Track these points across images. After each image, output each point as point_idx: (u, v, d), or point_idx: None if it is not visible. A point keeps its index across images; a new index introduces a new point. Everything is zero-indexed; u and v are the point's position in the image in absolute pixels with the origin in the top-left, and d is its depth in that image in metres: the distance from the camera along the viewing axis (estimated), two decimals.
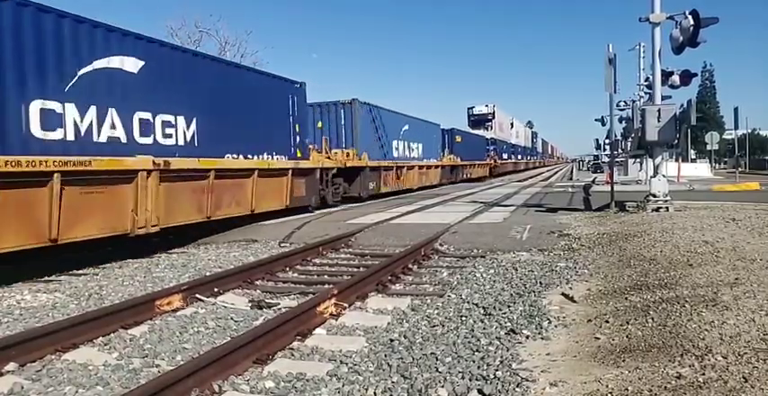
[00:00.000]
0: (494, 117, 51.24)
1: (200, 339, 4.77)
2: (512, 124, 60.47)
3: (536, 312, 5.11)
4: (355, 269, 7.63)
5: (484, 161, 43.42)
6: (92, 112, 8.32)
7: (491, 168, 45.72)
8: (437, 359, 4.03)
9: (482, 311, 5.27)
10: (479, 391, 3.45)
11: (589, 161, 72.30)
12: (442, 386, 3.52)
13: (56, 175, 7.41)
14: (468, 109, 52.54)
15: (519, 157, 64.21)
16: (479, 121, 50.64)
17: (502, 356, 3.99)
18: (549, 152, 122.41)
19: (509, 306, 5.38)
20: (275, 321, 4.63)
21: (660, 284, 5.47)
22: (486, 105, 51.89)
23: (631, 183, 24.60)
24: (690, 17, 11.16)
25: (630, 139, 20.71)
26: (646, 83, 21.01)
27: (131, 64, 9.10)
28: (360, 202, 18.67)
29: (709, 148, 38.90)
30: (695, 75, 13.37)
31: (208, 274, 7.29)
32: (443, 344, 4.36)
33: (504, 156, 52.90)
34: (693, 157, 53.96)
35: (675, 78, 12.53)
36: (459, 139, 35.42)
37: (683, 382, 3.13)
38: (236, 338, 4.23)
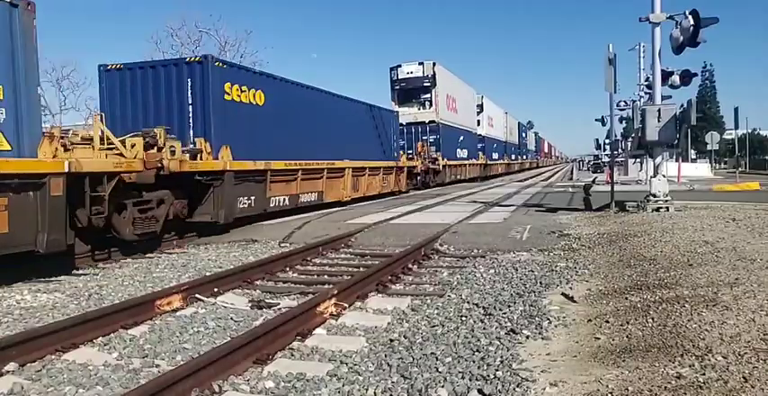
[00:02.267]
0: (434, 84, 28.21)
1: (200, 339, 4.77)
2: (480, 106, 39.71)
3: (536, 312, 5.11)
4: (355, 269, 7.62)
5: (391, 160, 22.01)
6: None
7: (419, 175, 26.01)
8: (437, 359, 4.03)
9: (482, 311, 5.27)
10: (479, 391, 3.45)
11: (589, 161, 72.18)
12: (442, 386, 3.52)
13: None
14: (391, 70, 28.67)
15: (496, 155, 45.18)
16: (410, 91, 28.60)
17: (502, 356, 3.99)
18: (546, 151, 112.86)
19: (509, 306, 5.38)
20: (275, 321, 4.63)
21: (660, 284, 5.47)
22: (421, 63, 28.37)
23: (631, 183, 24.61)
24: (690, 17, 11.17)
25: (630, 139, 20.73)
26: (646, 83, 21.07)
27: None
28: None
29: (709, 148, 38.86)
30: (695, 75, 13.39)
31: (208, 274, 7.29)
32: (443, 344, 4.36)
33: (462, 153, 32.77)
34: (694, 157, 53.99)
35: (675, 78, 12.55)
36: (235, 95, 11.59)
37: (684, 382, 3.13)
38: (236, 338, 4.23)
